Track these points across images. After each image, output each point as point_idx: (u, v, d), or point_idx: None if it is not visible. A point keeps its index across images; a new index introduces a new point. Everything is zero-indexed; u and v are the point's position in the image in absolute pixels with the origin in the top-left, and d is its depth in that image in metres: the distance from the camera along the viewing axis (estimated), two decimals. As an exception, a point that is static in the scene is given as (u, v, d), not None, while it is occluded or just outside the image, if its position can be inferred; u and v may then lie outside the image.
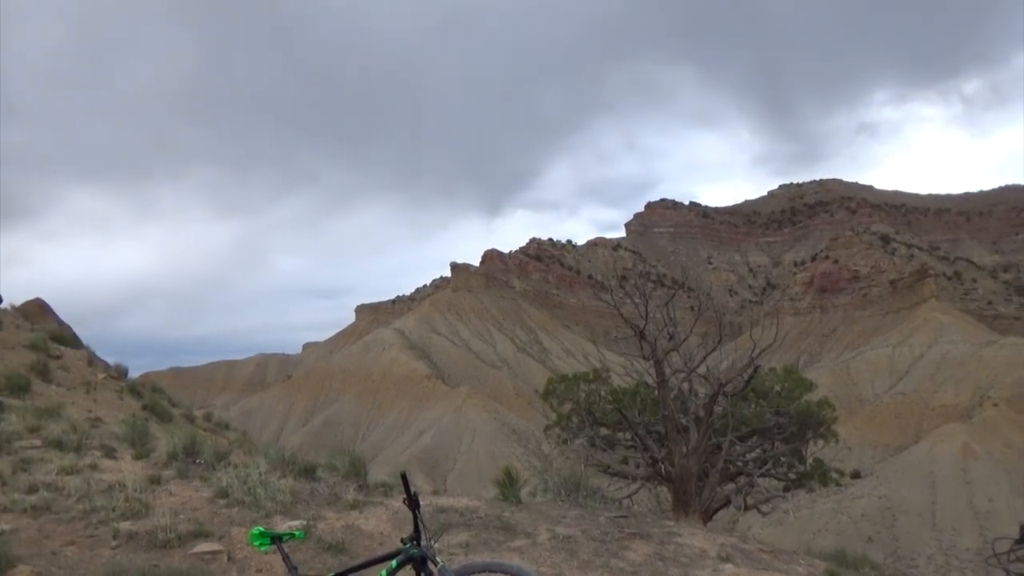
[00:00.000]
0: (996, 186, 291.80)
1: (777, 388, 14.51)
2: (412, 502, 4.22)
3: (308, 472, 9.43)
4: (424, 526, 4.29)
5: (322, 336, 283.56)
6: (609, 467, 14.30)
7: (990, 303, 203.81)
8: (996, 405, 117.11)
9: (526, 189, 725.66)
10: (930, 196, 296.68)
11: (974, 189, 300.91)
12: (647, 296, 12.93)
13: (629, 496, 13.49)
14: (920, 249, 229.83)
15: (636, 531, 8.71)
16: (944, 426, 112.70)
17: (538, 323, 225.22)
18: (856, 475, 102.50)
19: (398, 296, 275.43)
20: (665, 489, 13.77)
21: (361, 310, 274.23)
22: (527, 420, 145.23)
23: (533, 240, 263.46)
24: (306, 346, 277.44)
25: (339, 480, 9.20)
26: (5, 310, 22.97)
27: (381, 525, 7.88)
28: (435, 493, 11.06)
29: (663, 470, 12.53)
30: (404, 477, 4.32)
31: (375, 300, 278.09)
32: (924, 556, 77.50)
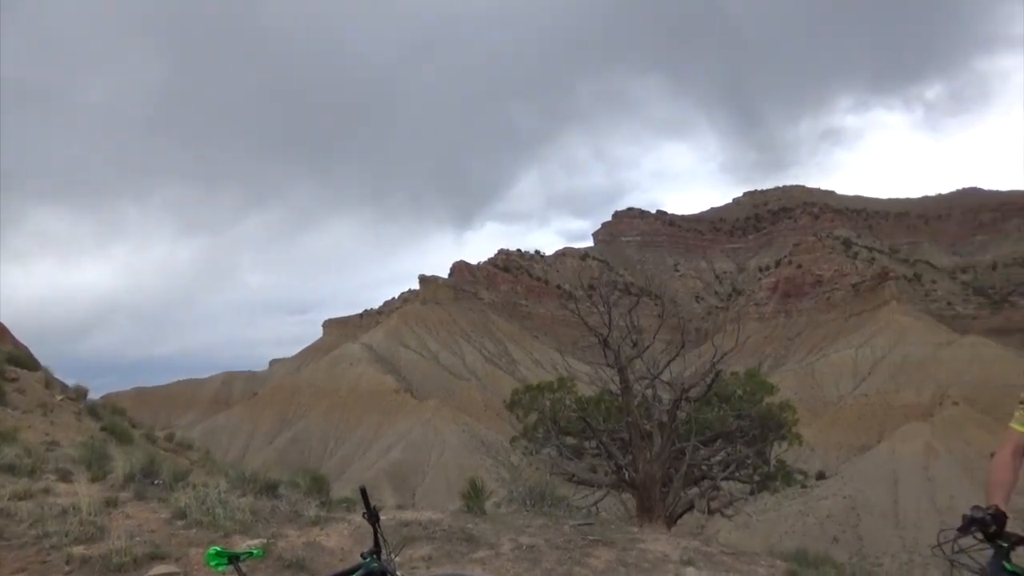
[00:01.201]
0: (954, 189, 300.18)
1: (739, 392, 14.71)
2: (371, 516, 4.20)
3: (270, 490, 9.34)
4: (384, 540, 4.27)
5: (290, 352, 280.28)
6: (574, 475, 14.36)
7: (949, 304, 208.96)
8: (956, 404, 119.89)
9: (496, 201, 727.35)
10: (890, 200, 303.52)
11: (932, 193, 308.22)
12: (610, 304, 13.06)
13: (595, 504, 13.56)
14: (881, 252, 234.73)
15: (599, 538, 8.77)
16: (906, 425, 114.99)
17: (507, 334, 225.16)
18: (821, 476, 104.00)
19: (366, 310, 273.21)
20: (631, 496, 13.84)
21: (329, 325, 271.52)
22: (496, 432, 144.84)
23: (501, 251, 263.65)
24: (273, 362, 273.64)
25: (301, 497, 9.13)
26: (-43, 333, 22.40)
27: (342, 541, 7.83)
28: (399, 507, 11.01)
29: (627, 476, 12.63)
30: (363, 491, 4.30)
31: (344, 314, 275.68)
32: (888, 554, 78.75)
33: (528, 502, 10.57)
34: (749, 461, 14.61)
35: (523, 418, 16.72)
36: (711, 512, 13.99)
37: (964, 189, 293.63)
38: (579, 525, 9.30)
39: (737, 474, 14.89)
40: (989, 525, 3.40)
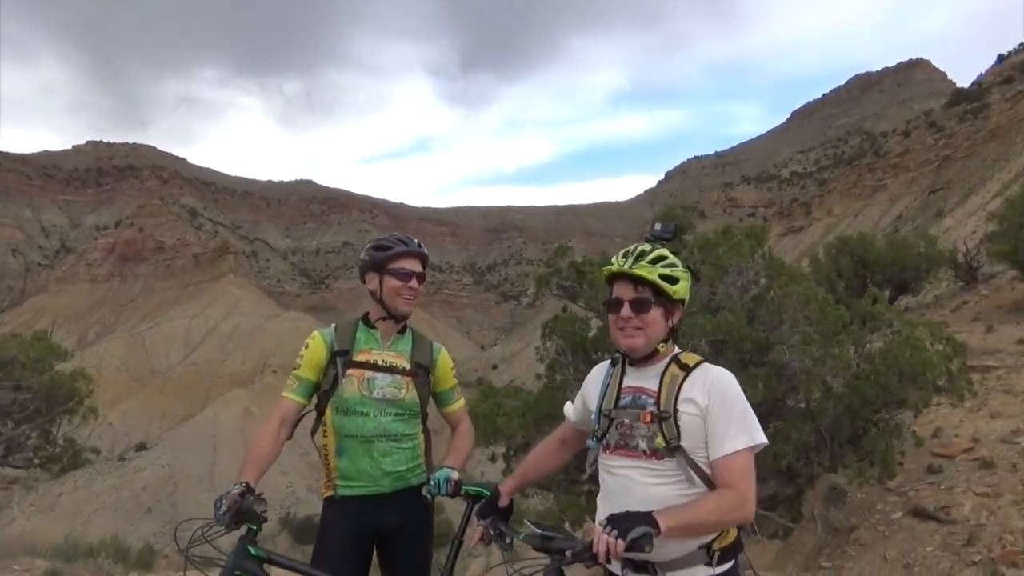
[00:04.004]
0: (294, 179, 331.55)
1: (22, 358, 12.07)
2: None
3: None
4: None
5: None
6: None
7: (279, 281, 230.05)
8: (275, 371, 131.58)
9: None
10: (238, 178, 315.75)
11: (276, 178, 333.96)
12: None
13: None
14: (224, 227, 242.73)
15: None
16: (229, 392, 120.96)
17: None
18: (142, 447, 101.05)
19: None
20: None
21: None
22: None
23: None
24: None
25: None
26: None
27: None
28: None
29: None
30: None
31: None
32: (201, 517, 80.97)
33: None
34: (30, 442, 12.14)
35: None
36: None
37: (302, 180, 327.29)
38: None
39: (10, 458, 12.22)
40: (221, 508, 2.90)
